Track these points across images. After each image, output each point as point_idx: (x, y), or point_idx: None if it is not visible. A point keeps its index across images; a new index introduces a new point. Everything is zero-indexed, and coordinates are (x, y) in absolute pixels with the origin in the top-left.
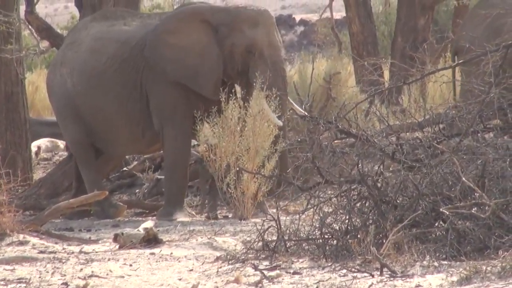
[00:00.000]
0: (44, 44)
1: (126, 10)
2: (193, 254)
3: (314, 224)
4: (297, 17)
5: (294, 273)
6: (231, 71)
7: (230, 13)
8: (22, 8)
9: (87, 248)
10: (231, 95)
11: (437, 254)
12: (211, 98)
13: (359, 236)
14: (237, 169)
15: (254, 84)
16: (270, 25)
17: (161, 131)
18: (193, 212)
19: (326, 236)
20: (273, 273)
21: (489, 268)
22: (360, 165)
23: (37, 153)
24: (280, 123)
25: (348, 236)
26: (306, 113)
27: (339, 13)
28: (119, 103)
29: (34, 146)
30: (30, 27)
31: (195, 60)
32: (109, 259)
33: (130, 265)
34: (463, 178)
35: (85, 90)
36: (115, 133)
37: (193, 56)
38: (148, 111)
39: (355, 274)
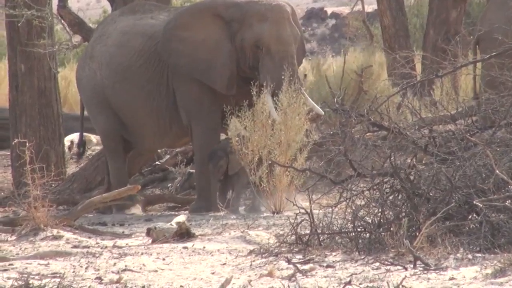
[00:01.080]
0: (77, 38)
1: (155, 3)
2: (226, 248)
3: (346, 217)
4: (329, 10)
5: (327, 266)
6: (243, 66)
7: (241, 7)
8: (55, 3)
9: (120, 242)
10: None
11: (471, 247)
12: (225, 93)
13: (392, 229)
14: (269, 162)
15: (260, 79)
16: (280, 19)
17: (189, 126)
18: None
19: (359, 229)
20: (306, 267)
21: None
22: (392, 158)
23: (70, 148)
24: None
25: (381, 229)
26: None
27: (371, 6)
28: (146, 98)
29: (67, 140)
30: (62, 21)
31: (208, 54)
32: (142, 253)
33: (163, 259)
34: (497, 171)
35: (113, 84)
36: (142, 127)
37: (206, 51)
38: (175, 105)
39: (388, 267)
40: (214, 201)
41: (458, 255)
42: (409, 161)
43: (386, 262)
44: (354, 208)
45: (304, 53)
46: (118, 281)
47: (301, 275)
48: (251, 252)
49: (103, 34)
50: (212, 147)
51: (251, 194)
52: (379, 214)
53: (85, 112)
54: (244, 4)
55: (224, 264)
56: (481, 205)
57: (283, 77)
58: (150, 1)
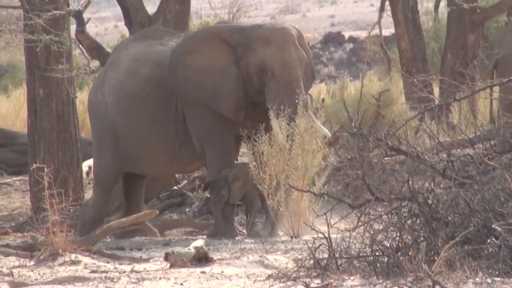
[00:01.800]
0: (95, 63)
1: (166, 29)
2: (244, 272)
3: (364, 241)
4: (346, 34)
5: None
6: (250, 91)
7: (245, 32)
8: (73, 28)
9: (138, 267)
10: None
11: (489, 271)
12: (232, 118)
13: (410, 253)
14: (287, 186)
15: (266, 102)
16: (284, 42)
17: (202, 153)
18: (244, 231)
19: (377, 254)
20: None
21: None
22: (410, 182)
23: (88, 173)
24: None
25: (399, 253)
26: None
27: (388, 30)
28: (154, 124)
29: (85, 166)
30: (80, 46)
31: (215, 80)
32: (160, 278)
33: (181, 284)
34: None
35: (121, 111)
36: (151, 154)
37: (213, 77)
38: (184, 131)
39: None
40: (224, 227)
41: (477, 279)
42: (427, 185)
43: (405, 287)
44: (372, 232)
45: (313, 77)
46: None
47: None
48: (269, 276)
49: (115, 60)
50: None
51: (268, 218)
52: (397, 238)
53: None
54: (248, 29)
55: None
56: (499, 229)
57: (289, 100)
58: (162, 27)
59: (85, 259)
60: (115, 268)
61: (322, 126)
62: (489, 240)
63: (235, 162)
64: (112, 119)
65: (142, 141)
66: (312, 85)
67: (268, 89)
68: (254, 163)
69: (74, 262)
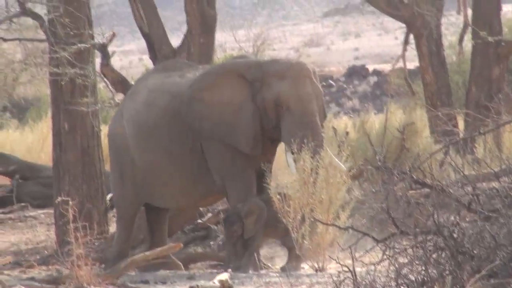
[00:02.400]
0: (119, 96)
1: (186, 62)
2: None
3: (390, 275)
4: (370, 68)
5: None
6: (267, 126)
7: (261, 67)
8: (98, 61)
9: None
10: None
11: None
12: (250, 153)
13: (436, 287)
14: (312, 220)
15: (282, 138)
16: (299, 77)
17: (224, 188)
18: (269, 264)
19: (402, 287)
20: None
21: None
22: (435, 215)
23: (112, 206)
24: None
25: (425, 287)
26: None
27: (412, 63)
28: (170, 157)
29: (109, 199)
30: (105, 79)
31: (232, 117)
32: None
33: None
34: None
35: (138, 142)
36: (166, 186)
37: (230, 113)
38: (199, 165)
39: None
40: (247, 261)
41: None
42: (453, 218)
43: None
44: (397, 266)
45: (325, 116)
46: None
47: None
48: None
49: (135, 91)
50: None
51: (292, 252)
52: (423, 272)
53: None
54: (264, 64)
55: None
56: None
57: (310, 132)
58: (184, 60)
59: None
60: None
61: (337, 160)
62: None
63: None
64: (130, 150)
65: (158, 173)
66: (323, 123)
67: (284, 124)
68: (278, 197)
69: None
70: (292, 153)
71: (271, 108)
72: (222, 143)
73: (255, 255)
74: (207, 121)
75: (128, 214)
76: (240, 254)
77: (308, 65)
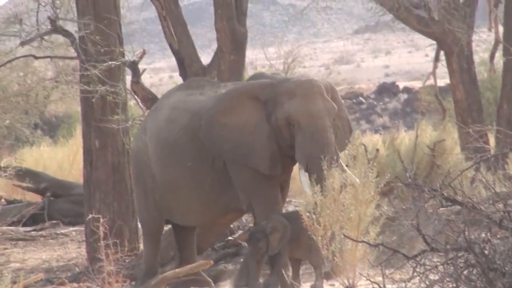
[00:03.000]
0: None
1: (209, 80)
2: None
3: None
4: (401, 85)
5: None
6: (283, 145)
7: (274, 87)
8: (128, 78)
9: None
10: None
11: None
12: (269, 174)
13: None
14: (342, 237)
15: (296, 156)
16: (309, 94)
17: (250, 207)
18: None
19: None
20: None
21: None
22: (466, 232)
23: None
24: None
25: None
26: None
27: (443, 80)
28: (190, 175)
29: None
30: (135, 97)
31: (248, 138)
32: None
33: None
34: None
35: (159, 158)
36: (186, 204)
37: (247, 135)
38: (219, 183)
39: None
40: (254, 281)
41: None
42: (484, 235)
43: None
44: (428, 283)
45: (350, 131)
46: None
47: None
48: None
49: (157, 108)
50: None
51: (317, 270)
52: None
53: None
54: (276, 84)
55: None
56: None
57: (321, 148)
58: (208, 78)
59: None
60: None
61: (353, 175)
62: None
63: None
64: (151, 166)
65: (177, 190)
66: (349, 139)
67: (296, 141)
68: (308, 214)
69: None
70: (305, 171)
71: (284, 127)
72: (242, 165)
73: (284, 272)
74: (227, 144)
75: (152, 230)
76: (258, 272)
77: (320, 81)
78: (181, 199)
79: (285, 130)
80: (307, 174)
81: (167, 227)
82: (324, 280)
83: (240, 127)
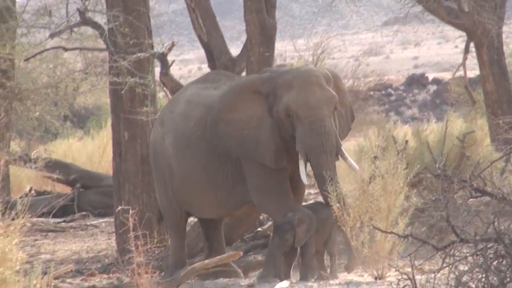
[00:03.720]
0: None
1: (226, 73)
2: None
3: (449, 283)
4: (430, 76)
5: None
6: (286, 137)
7: (273, 80)
8: (157, 70)
9: None
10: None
11: None
12: (274, 167)
13: None
14: (371, 228)
15: (296, 147)
16: (306, 84)
17: (261, 204)
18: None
19: None
20: None
21: None
22: (496, 223)
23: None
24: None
25: None
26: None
27: (473, 72)
28: (203, 169)
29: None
30: (164, 88)
31: (254, 133)
32: None
33: None
34: None
35: (175, 151)
36: (201, 197)
37: (252, 129)
38: (232, 177)
39: None
40: (279, 272)
41: None
42: None
43: None
44: (457, 273)
45: (352, 118)
46: None
47: None
48: None
49: (174, 100)
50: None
51: (333, 259)
52: (483, 279)
53: None
54: (276, 76)
55: None
56: None
57: (319, 137)
58: (225, 71)
59: None
60: None
61: (353, 162)
62: None
63: (299, 205)
64: (168, 158)
65: (193, 183)
66: (350, 127)
67: (296, 133)
68: (338, 205)
69: None
70: (305, 162)
71: (284, 119)
72: (251, 160)
73: (315, 262)
74: (233, 140)
75: (175, 221)
76: (286, 264)
77: (316, 71)
78: (196, 192)
79: (286, 122)
80: (304, 164)
81: (195, 219)
82: (351, 272)
83: (245, 122)
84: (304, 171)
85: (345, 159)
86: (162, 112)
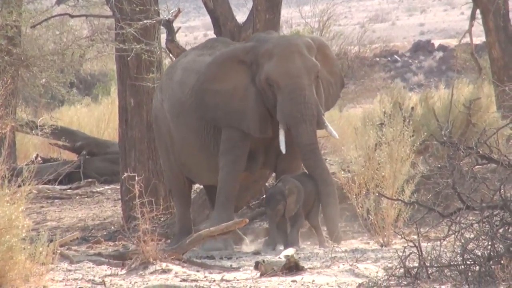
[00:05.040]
0: None
1: (226, 39)
2: (335, 281)
3: (455, 250)
4: (436, 43)
5: None
6: (269, 106)
7: (255, 49)
8: (163, 37)
9: (228, 276)
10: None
11: None
12: (259, 136)
13: (502, 262)
14: (376, 195)
15: (277, 116)
16: (286, 53)
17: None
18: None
19: (468, 262)
20: None
21: None
22: (502, 190)
23: None
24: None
25: (491, 262)
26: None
27: (479, 38)
28: (196, 134)
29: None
30: (170, 55)
31: (240, 102)
32: (250, 287)
33: None
34: None
35: (172, 118)
36: (197, 163)
37: (237, 99)
38: (220, 144)
39: None
40: (275, 241)
41: None
42: None
43: None
44: (463, 241)
45: (342, 85)
46: None
47: None
48: (360, 285)
49: (173, 67)
50: (271, 189)
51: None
52: (489, 247)
53: None
54: (258, 45)
55: None
56: None
57: (298, 106)
58: (225, 38)
59: (176, 268)
60: (205, 277)
61: (333, 130)
62: None
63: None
64: (168, 124)
65: (189, 150)
66: (340, 94)
67: (278, 102)
68: (343, 172)
69: (165, 271)
70: (284, 131)
71: (266, 88)
72: (235, 128)
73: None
74: (219, 111)
75: (178, 187)
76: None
77: (297, 39)
78: (192, 158)
79: (268, 91)
80: (283, 133)
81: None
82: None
83: (230, 92)
84: (283, 140)
85: (325, 127)
86: (162, 78)
